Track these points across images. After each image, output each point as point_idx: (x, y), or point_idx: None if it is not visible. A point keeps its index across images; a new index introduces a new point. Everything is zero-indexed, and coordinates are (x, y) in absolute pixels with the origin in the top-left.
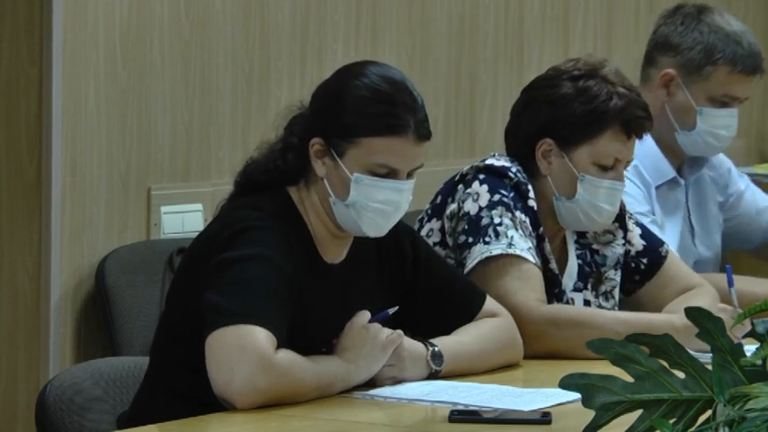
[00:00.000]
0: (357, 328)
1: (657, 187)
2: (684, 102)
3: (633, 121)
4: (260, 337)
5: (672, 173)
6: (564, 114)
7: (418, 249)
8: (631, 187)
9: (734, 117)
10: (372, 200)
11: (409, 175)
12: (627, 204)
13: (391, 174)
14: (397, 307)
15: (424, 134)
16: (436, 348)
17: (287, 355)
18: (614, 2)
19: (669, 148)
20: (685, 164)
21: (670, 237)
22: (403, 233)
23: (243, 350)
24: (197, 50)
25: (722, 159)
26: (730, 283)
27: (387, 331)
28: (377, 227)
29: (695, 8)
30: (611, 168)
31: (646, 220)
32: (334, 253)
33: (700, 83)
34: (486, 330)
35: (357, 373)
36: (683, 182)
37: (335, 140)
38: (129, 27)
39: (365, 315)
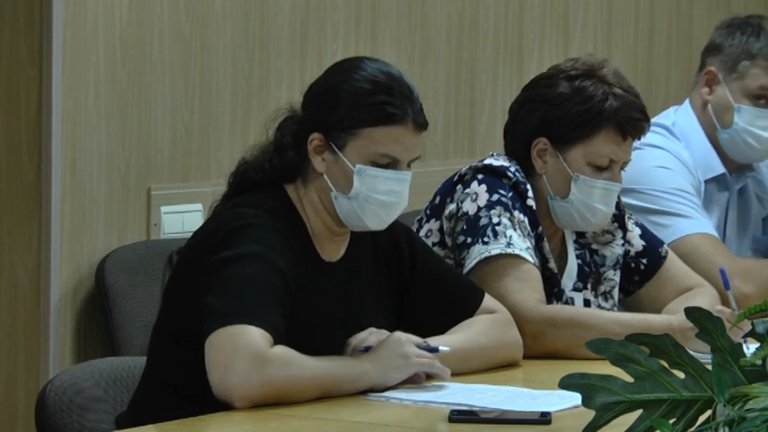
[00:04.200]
0: (394, 336)
1: (705, 183)
2: (724, 99)
3: (629, 123)
4: (253, 334)
5: (721, 169)
6: (559, 114)
7: (415, 248)
8: (674, 163)
9: None
10: (375, 191)
11: (408, 166)
12: (664, 177)
13: (392, 164)
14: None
15: (422, 123)
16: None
17: (282, 351)
18: (614, 2)
19: (718, 151)
20: (733, 172)
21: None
22: (400, 232)
23: (235, 349)
24: (197, 50)
25: None
26: (726, 285)
27: (422, 351)
28: (379, 220)
29: (749, 16)
30: (606, 169)
31: (679, 199)
32: (332, 251)
33: (738, 80)
34: (481, 326)
35: (372, 374)
36: (731, 184)
37: (335, 134)
38: (129, 27)
39: (416, 339)
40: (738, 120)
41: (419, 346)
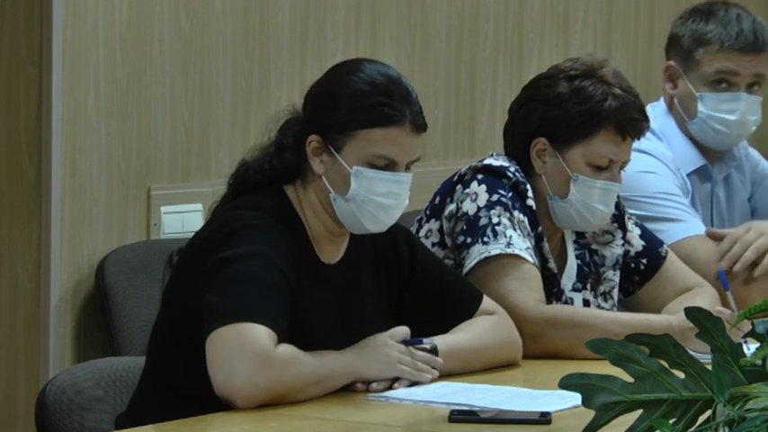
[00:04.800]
0: (378, 337)
1: (687, 176)
2: (686, 90)
3: (628, 123)
4: (259, 333)
5: (701, 161)
6: (558, 114)
7: (414, 250)
8: (659, 166)
9: (738, 101)
10: (373, 192)
11: (407, 168)
12: (650, 182)
13: (390, 165)
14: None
15: (420, 125)
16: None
17: (287, 350)
18: (614, 2)
19: (696, 143)
20: (715, 164)
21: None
22: (399, 234)
23: (242, 348)
24: (197, 50)
25: (754, 161)
26: (725, 286)
27: (404, 357)
28: (378, 222)
29: (700, 4)
30: (606, 169)
31: (668, 203)
32: (331, 252)
33: (695, 69)
34: (482, 327)
35: (356, 364)
36: (713, 175)
37: (333, 135)
38: (129, 27)
39: (401, 330)
40: (702, 108)
41: (404, 342)
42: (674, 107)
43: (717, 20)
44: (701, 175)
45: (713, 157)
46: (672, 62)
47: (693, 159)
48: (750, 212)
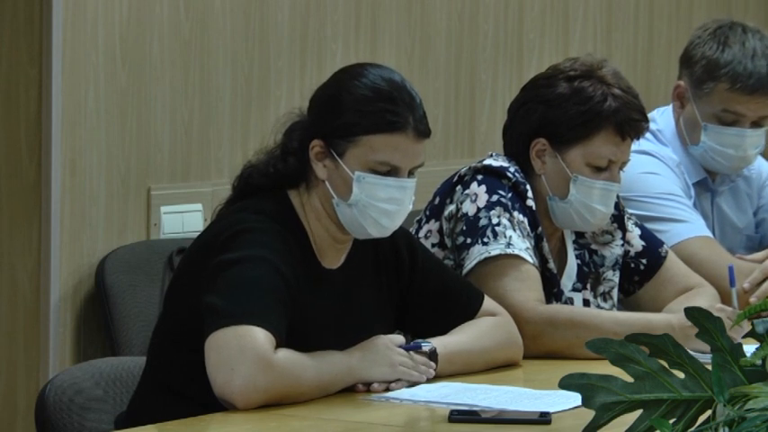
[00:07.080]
0: (379, 339)
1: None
2: (692, 116)
3: (627, 123)
4: (259, 336)
5: (702, 174)
6: (558, 114)
7: (415, 252)
8: (662, 168)
9: (743, 137)
10: (375, 198)
11: (410, 174)
12: (653, 183)
13: (392, 171)
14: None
15: (423, 131)
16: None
17: (287, 354)
18: (614, 2)
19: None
20: (718, 175)
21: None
22: (399, 237)
23: (242, 350)
24: (197, 50)
25: (761, 171)
26: (732, 283)
27: (404, 359)
28: (381, 227)
29: (727, 23)
30: (605, 169)
31: (671, 203)
32: (333, 258)
33: (704, 98)
34: (483, 328)
35: (358, 367)
36: (713, 187)
37: (335, 141)
38: (129, 27)
39: (396, 338)
40: (705, 138)
41: (401, 346)
42: (680, 125)
43: (732, 53)
44: (701, 186)
45: (714, 172)
46: (682, 83)
47: (694, 172)
48: (755, 226)
